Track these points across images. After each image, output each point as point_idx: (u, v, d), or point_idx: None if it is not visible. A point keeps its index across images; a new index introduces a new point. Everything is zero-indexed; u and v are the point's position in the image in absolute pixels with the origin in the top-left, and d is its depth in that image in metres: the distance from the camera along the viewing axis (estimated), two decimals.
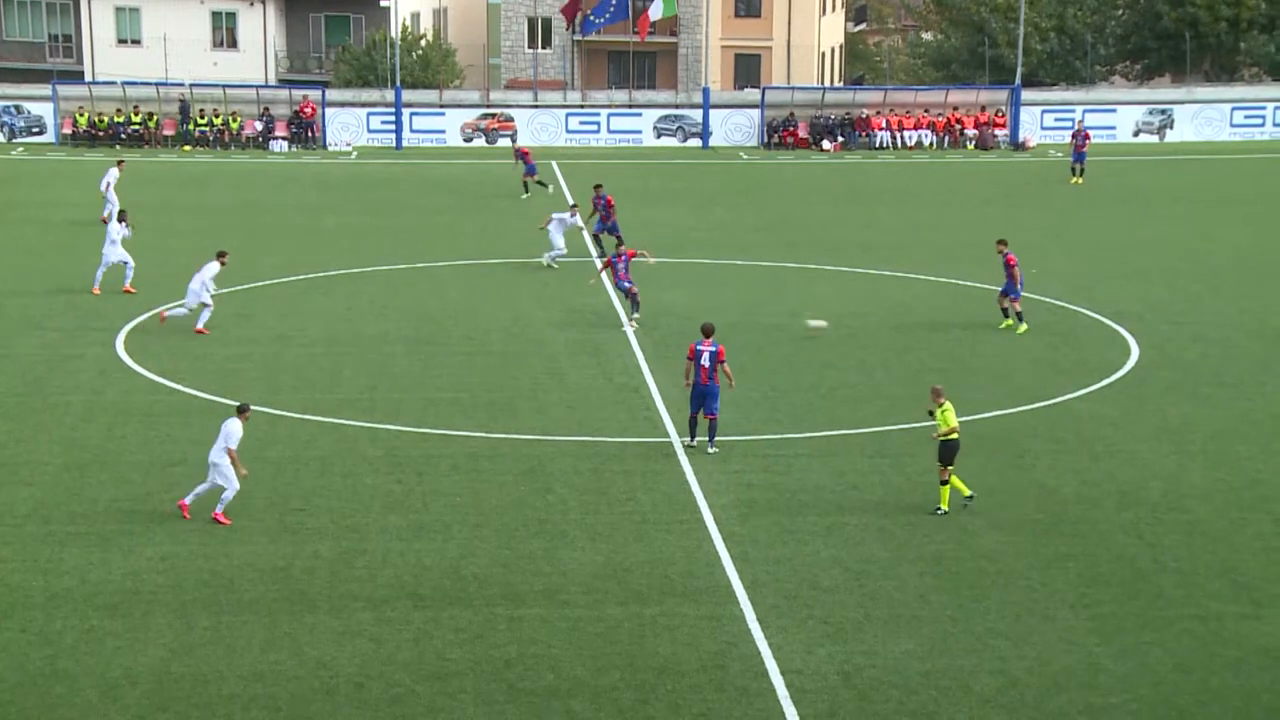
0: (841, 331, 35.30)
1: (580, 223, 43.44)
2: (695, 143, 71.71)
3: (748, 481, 25.10)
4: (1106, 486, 24.73)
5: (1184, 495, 24.28)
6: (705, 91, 74.42)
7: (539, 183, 55.25)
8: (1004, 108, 74.48)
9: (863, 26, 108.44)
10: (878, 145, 72.57)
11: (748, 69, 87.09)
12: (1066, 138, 65.27)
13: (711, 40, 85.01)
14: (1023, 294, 35.28)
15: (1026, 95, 74.91)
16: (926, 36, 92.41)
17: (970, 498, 23.63)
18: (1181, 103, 75.85)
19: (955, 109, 74.49)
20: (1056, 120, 74.80)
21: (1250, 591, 20.43)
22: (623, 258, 35.71)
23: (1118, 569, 21.33)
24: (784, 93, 76.34)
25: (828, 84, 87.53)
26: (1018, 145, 72.88)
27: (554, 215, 42.56)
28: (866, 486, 24.81)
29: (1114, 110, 75.62)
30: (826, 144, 72.00)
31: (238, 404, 23.94)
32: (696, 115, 72.16)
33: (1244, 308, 37.41)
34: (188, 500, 23.17)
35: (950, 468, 23.49)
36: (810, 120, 73.13)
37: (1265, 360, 32.41)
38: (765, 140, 72.43)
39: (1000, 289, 35.67)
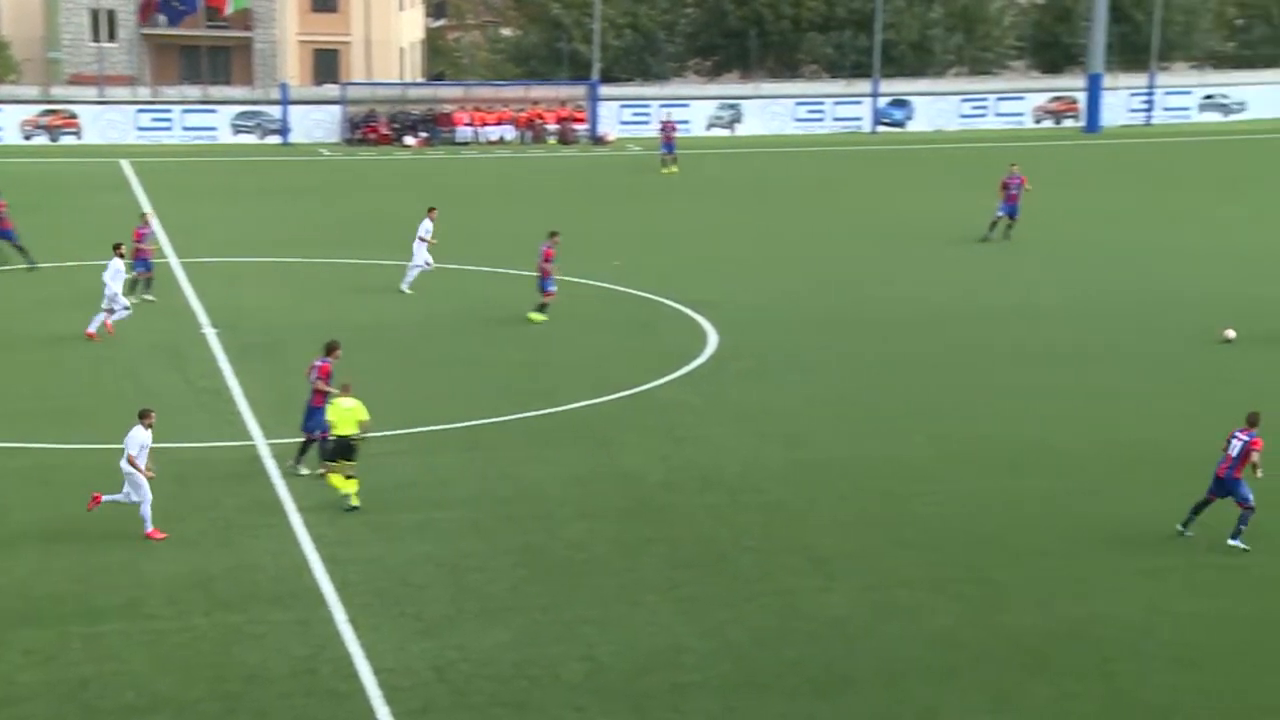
0: (430, 328, 35.27)
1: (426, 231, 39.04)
2: (275, 139, 70.24)
3: None
4: (689, 471, 25.43)
5: (761, 476, 25.20)
6: (283, 87, 72.97)
7: None
8: (583, 103, 75.78)
9: (442, 22, 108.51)
10: (460, 141, 72.74)
11: (327, 64, 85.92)
12: (654, 130, 67.09)
13: (288, 35, 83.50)
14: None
15: (604, 90, 76.41)
16: (506, 32, 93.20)
17: (354, 508, 23.20)
18: (749, 98, 78.87)
19: (536, 104, 75.36)
20: (634, 115, 76.58)
21: (823, 566, 21.37)
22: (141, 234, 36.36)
23: (701, 551, 21.97)
24: (365, 88, 75.65)
25: (408, 80, 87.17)
26: (598, 140, 74.27)
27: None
28: (457, 481, 24.82)
29: (688, 105, 77.92)
30: (409, 140, 71.71)
31: (140, 410, 22.59)
32: (275, 111, 70.67)
33: (814, 296, 39.02)
34: (105, 499, 22.29)
35: (344, 463, 23.18)
36: (392, 116, 72.73)
37: (833, 344, 33.91)
38: (347, 136, 71.60)
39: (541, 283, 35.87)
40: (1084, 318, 36.19)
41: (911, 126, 79.64)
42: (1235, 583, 20.51)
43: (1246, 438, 21.57)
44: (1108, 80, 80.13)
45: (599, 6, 77.00)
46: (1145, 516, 23.08)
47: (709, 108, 77.81)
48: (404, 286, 38.35)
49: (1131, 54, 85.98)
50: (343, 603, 20.05)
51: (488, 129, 73.45)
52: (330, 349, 25.36)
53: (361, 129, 71.71)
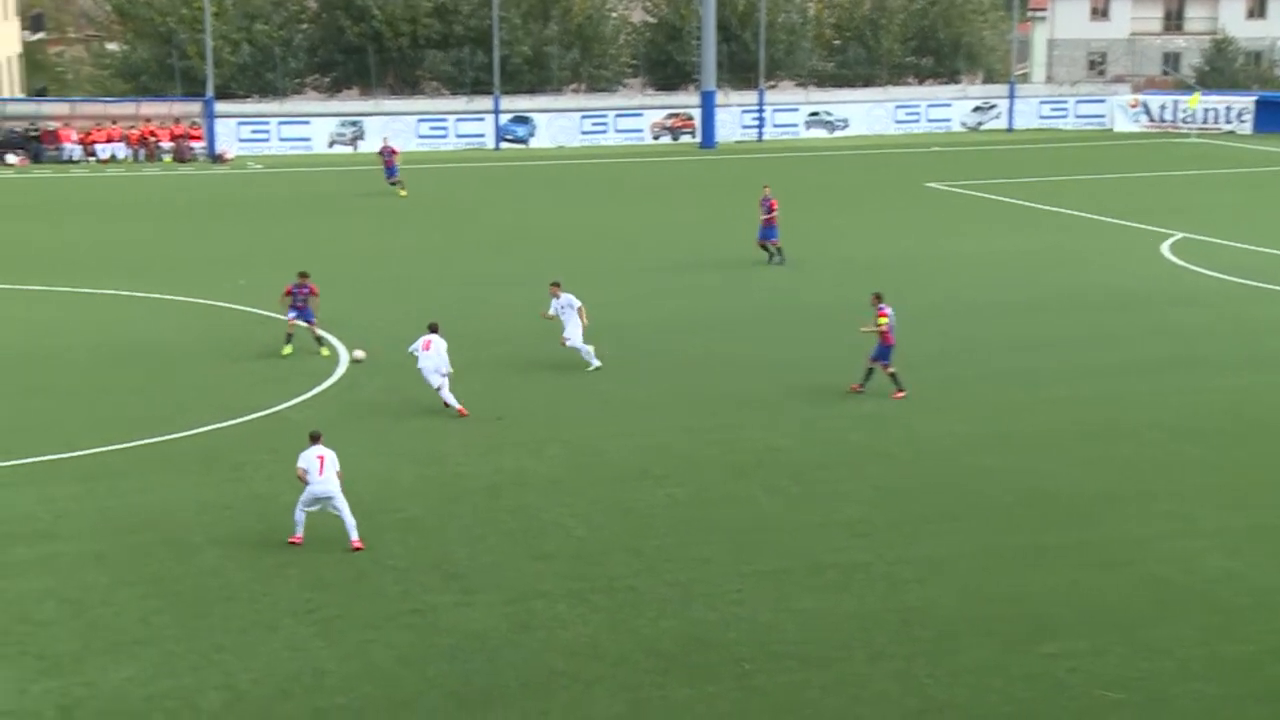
0: (47, 353, 33.87)
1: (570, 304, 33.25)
2: None
3: None
4: None
5: (396, 494, 25.07)
6: None
7: None
8: (199, 120, 73.93)
9: (41, 35, 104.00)
10: (68, 159, 69.97)
11: None
12: (279, 149, 65.82)
13: None
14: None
15: (221, 107, 74.79)
16: (112, 47, 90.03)
17: None
18: (370, 115, 78.47)
19: (149, 121, 73.16)
20: (253, 132, 75.23)
21: (461, 581, 21.41)
22: None
23: (338, 572, 21.72)
24: None
25: (7, 95, 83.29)
26: (216, 157, 72.58)
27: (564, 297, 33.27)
28: (78, 513, 23.88)
29: (308, 122, 77.01)
30: (11, 158, 68.63)
31: (311, 433, 23.10)
32: None
33: (429, 310, 38.79)
34: (354, 537, 22.50)
35: None
36: None
37: (465, 361, 33.87)
38: None
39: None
40: (729, 326, 37.37)
41: (534, 143, 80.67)
42: (854, 581, 21.48)
43: None
44: (720, 98, 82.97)
45: (209, 22, 75.19)
46: (764, 519, 23.97)
47: (330, 124, 77.00)
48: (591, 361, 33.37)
49: (740, 72, 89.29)
50: None
51: (98, 146, 70.89)
52: None
53: None
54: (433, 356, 29.52)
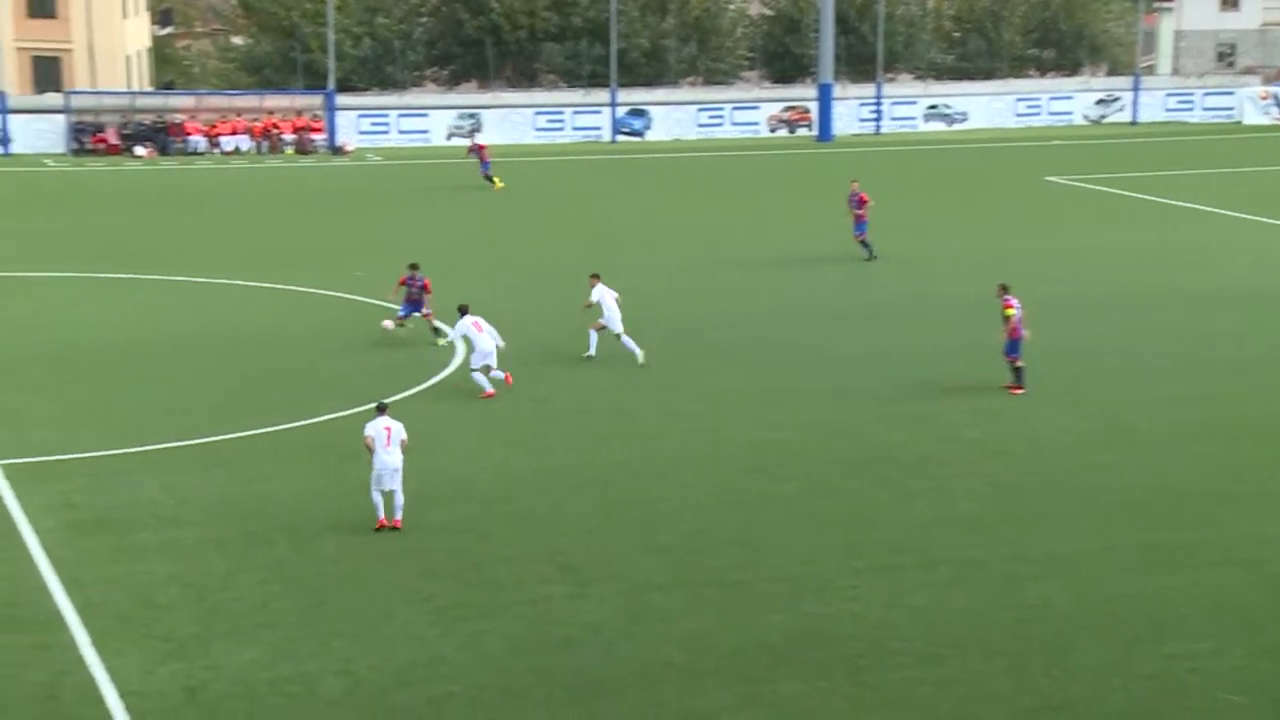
0: (168, 342, 34.51)
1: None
2: None
3: (73, 501, 24.03)
4: (439, 481, 25.29)
5: (511, 485, 25.24)
6: (0, 96, 70.43)
7: None
8: (320, 112, 74.83)
9: (169, 30, 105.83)
10: (194, 151, 71.17)
11: (48, 72, 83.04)
12: (399, 141, 66.26)
13: (3, 40, 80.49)
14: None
15: (342, 100, 75.62)
16: (237, 41, 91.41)
17: None
18: (489, 107, 78.88)
19: (272, 114, 74.16)
20: (373, 125, 75.98)
21: (575, 572, 21.51)
22: None
23: (453, 561, 21.92)
24: (90, 97, 73.53)
25: (136, 88, 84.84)
26: (336, 149, 73.43)
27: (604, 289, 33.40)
28: (199, 499, 24.31)
29: (426, 115, 77.63)
30: (140, 150, 69.91)
31: (378, 404, 23.76)
32: None
33: (543, 303, 39.00)
34: (399, 516, 22.89)
35: None
36: (121, 126, 70.81)
37: (570, 353, 33.94)
38: (74, 147, 69.45)
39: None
40: (869, 321, 37.21)
41: (650, 136, 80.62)
42: (968, 577, 21.29)
43: None
44: (837, 90, 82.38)
45: (332, 15, 76.09)
46: (877, 513, 23.83)
47: (448, 117, 77.57)
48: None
49: (858, 65, 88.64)
50: (85, 626, 19.46)
51: (222, 139, 72.04)
52: None
53: (89, 139, 69.72)
54: (488, 338, 30.10)
